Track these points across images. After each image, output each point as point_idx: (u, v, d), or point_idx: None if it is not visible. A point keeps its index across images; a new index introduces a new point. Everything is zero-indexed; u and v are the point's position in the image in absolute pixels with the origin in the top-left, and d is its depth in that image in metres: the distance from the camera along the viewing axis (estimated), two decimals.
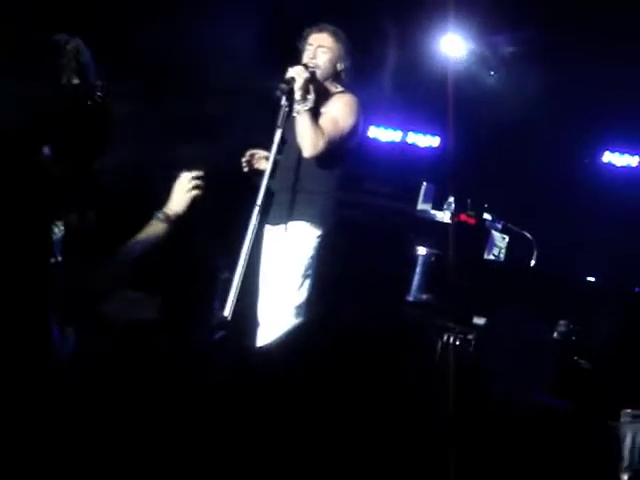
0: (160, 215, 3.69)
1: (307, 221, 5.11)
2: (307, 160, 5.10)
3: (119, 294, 5.28)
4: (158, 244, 3.69)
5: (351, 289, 2.51)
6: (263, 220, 5.12)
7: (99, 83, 5.63)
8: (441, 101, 8.19)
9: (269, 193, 5.13)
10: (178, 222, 3.76)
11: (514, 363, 3.07)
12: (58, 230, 5.45)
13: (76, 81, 5.48)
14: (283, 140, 5.09)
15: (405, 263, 2.58)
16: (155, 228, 3.70)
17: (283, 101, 5.04)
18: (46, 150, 5.06)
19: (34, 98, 5.53)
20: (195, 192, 3.77)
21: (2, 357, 2.43)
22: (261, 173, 5.10)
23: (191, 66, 7.47)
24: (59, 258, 5.43)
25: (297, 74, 5.00)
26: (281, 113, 5.05)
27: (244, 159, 5.36)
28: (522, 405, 3.01)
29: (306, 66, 5.07)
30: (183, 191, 3.76)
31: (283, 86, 4.99)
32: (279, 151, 5.10)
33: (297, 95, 4.98)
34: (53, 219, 5.42)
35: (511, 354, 3.08)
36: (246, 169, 5.36)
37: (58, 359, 2.67)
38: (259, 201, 4.97)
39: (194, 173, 3.80)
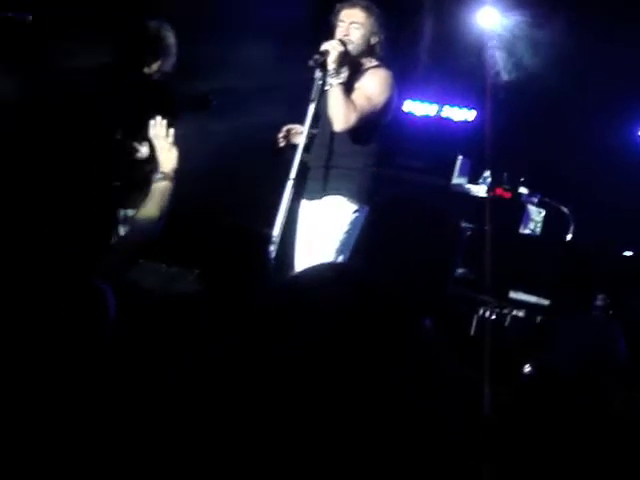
0: (159, 176, 3.82)
1: (343, 195, 5.11)
2: (341, 136, 5.09)
3: (154, 268, 5.32)
4: (165, 206, 3.78)
5: (398, 265, 2.50)
6: (299, 194, 5.12)
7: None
8: (477, 74, 8.14)
9: (304, 168, 5.14)
10: (178, 177, 3.88)
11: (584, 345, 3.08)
12: (131, 211, 5.53)
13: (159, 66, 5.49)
14: (317, 115, 5.08)
15: (453, 249, 2.57)
16: (159, 187, 3.80)
17: (317, 74, 5.02)
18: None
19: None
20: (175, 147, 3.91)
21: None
22: (296, 147, 5.10)
23: (228, 39, 7.48)
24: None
25: (332, 47, 4.99)
26: (315, 86, 5.04)
27: (280, 134, 5.36)
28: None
29: (341, 41, 5.05)
30: (166, 150, 3.89)
31: (317, 57, 4.98)
32: (313, 125, 5.09)
33: (330, 68, 4.97)
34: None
35: (582, 337, 3.10)
36: (282, 144, 5.36)
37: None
38: (293, 175, 4.97)
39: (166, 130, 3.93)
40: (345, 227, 5.09)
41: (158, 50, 5.50)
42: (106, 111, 5.49)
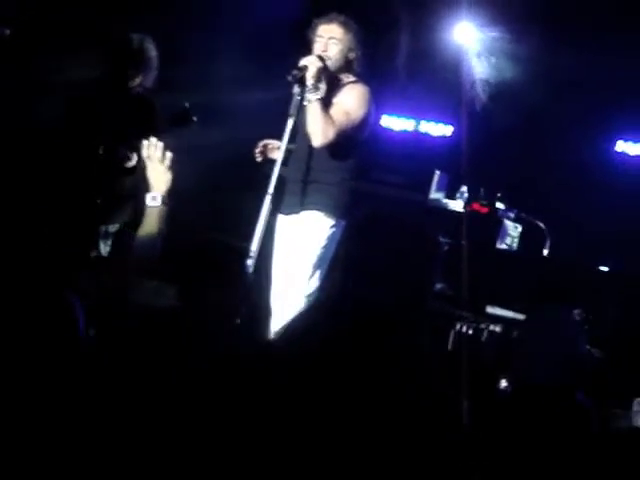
0: (152, 201, 3.80)
1: (320, 210, 5.12)
2: (319, 151, 5.10)
3: (136, 282, 5.30)
4: (163, 228, 3.78)
5: (375, 280, 2.52)
6: (275, 209, 5.12)
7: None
8: (454, 90, 8.17)
9: (281, 182, 5.14)
10: (172, 201, 3.86)
11: (553, 353, 3.12)
12: (112, 226, 5.53)
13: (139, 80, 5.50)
14: (295, 130, 5.08)
15: (431, 264, 2.59)
16: (154, 212, 3.79)
17: (295, 89, 5.03)
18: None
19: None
20: (171, 171, 3.88)
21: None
22: (274, 162, 5.10)
23: (205, 53, 7.49)
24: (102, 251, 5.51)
25: (310, 63, 5.00)
26: (293, 101, 5.05)
27: (257, 149, 5.36)
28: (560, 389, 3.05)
29: (320, 57, 5.06)
30: (161, 172, 3.86)
31: (295, 72, 4.99)
32: (291, 140, 5.10)
33: (309, 84, 4.98)
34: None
35: (551, 345, 3.14)
36: (259, 159, 5.36)
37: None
38: (271, 190, 4.98)
39: (164, 153, 3.90)
40: (322, 242, 5.10)
41: (140, 64, 5.51)
42: (88, 125, 5.49)
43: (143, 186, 4.22)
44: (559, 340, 3.18)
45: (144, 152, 3.94)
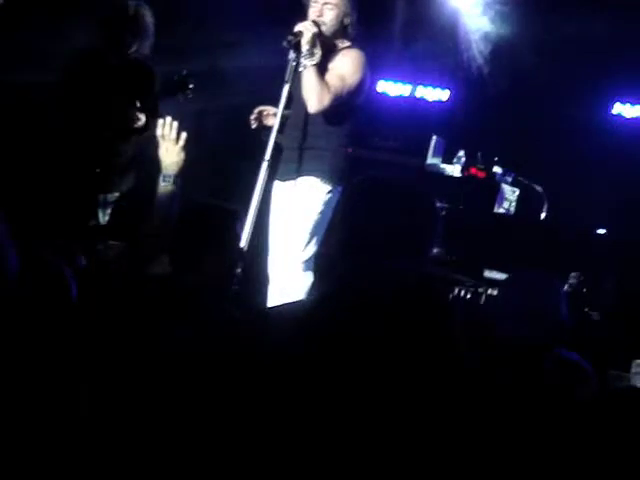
0: (166, 180, 3.76)
1: (316, 176, 5.11)
2: (315, 117, 5.08)
3: (122, 248, 5.30)
4: (172, 205, 3.75)
5: (373, 246, 2.52)
6: (272, 176, 5.11)
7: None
8: (451, 54, 8.15)
9: (277, 149, 5.13)
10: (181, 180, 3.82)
11: (528, 314, 3.15)
12: (111, 195, 5.54)
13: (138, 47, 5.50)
14: (291, 96, 5.06)
15: (427, 222, 2.59)
16: (165, 192, 3.76)
17: (290, 54, 5.01)
18: None
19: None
20: (184, 152, 3.83)
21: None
22: (269, 129, 5.09)
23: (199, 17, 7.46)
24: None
25: (305, 28, 4.97)
26: (288, 67, 5.02)
27: (252, 116, 5.34)
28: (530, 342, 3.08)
29: (315, 22, 5.02)
30: (174, 153, 3.80)
31: (290, 38, 4.96)
32: (287, 106, 5.08)
33: (304, 49, 4.95)
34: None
35: (526, 307, 3.17)
36: (254, 125, 5.34)
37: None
38: (267, 156, 4.97)
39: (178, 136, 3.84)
40: (318, 208, 5.10)
41: (136, 30, 5.52)
42: (85, 97, 5.49)
43: (148, 156, 4.18)
44: (538, 305, 3.21)
45: (158, 131, 3.87)
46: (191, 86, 5.55)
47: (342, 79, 5.06)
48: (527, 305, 3.20)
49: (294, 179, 5.17)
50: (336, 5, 5.13)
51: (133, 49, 5.55)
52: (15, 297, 2.41)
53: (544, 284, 3.34)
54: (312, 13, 5.11)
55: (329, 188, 5.10)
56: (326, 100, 4.99)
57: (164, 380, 2.57)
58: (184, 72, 5.55)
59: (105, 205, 5.54)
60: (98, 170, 5.46)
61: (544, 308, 3.22)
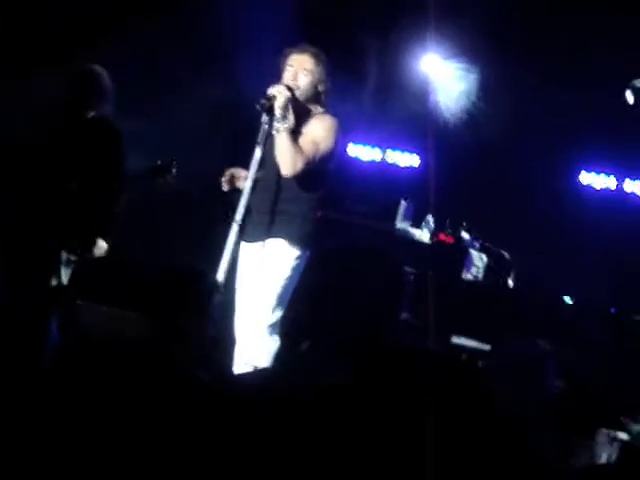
0: None
1: (285, 240, 5.09)
2: (287, 181, 5.08)
3: (96, 310, 5.27)
4: None
5: (340, 310, 2.54)
6: (240, 237, 5.11)
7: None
8: (421, 120, 8.23)
9: (247, 210, 5.13)
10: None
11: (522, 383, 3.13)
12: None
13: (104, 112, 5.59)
14: (263, 159, 5.07)
15: (393, 287, 2.62)
16: None
17: (263, 117, 5.03)
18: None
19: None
20: None
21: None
22: (240, 191, 5.09)
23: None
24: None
25: (279, 92, 4.98)
26: (261, 130, 5.04)
27: (224, 178, 5.34)
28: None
29: (288, 86, 5.05)
30: None
31: (264, 102, 4.97)
32: (259, 169, 5.09)
33: (277, 113, 4.96)
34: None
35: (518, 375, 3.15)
36: (226, 188, 5.34)
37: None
38: (238, 218, 4.95)
39: None
40: (287, 272, 5.08)
41: (94, 93, 5.61)
42: (48, 156, 5.53)
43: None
44: (525, 372, 3.19)
45: None
46: (174, 170, 5.65)
47: (315, 144, 5.07)
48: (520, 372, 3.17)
49: (262, 241, 5.16)
50: (311, 71, 5.15)
51: (91, 112, 5.63)
52: None
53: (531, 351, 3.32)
54: (287, 77, 5.13)
55: (298, 253, 5.08)
56: (299, 164, 5.00)
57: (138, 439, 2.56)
58: (170, 159, 5.69)
59: (68, 264, 5.53)
60: (57, 224, 5.48)
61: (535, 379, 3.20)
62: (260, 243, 5.15)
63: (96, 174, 5.50)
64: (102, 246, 5.61)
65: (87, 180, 5.50)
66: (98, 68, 5.69)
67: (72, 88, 5.66)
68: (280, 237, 5.10)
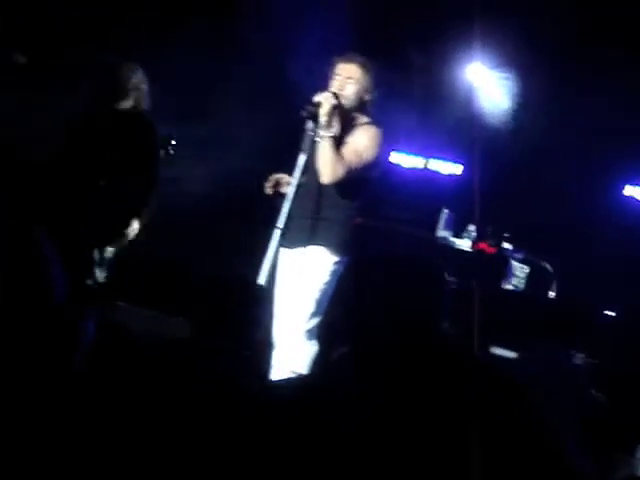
0: None
1: (325, 247, 5.11)
2: (328, 188, 5.10)
3: (136, 312, 5.30)
4: None
5: (381, 319, 2.53)
6: (280, 243, 5.13)
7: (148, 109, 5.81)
8: (465, 129, 8.21)
9: (289, 216, 5.15)
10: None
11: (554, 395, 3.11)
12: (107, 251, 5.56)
13: (132, 103, 5.70)
14: (306, 165, 5.09)
15: (436, 295, 2.60)
16: None
17: (308, 124, 5.04)
18: None
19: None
20: None
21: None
22: (283, 196, 5.11)
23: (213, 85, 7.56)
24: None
25: (325, 99, 4.99)
26: (306, 137, 5.05)
27: (269, 183, 5.36)
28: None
29: (335, 94, 5.05)
30: None
31: (310, 108, 4.98)
32: (302, 175, 5.10)
33: (322, 120, 4.97)
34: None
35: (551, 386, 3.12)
36: (270, 192, 5.36)
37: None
38: (281, 224, 4.97)
39: None
40: (325, 278, 5.10)
41: (126, 89, 5.67)
42: (83, 152, 5.60)
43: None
44: (562, 383, 3.16)
45: None
46: (173, 142, 5.67)
47: (358, 154, 5.08)
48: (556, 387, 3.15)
49: (302, 247, 5.18)
50: (357, 80, 5.17)
51: (126, 106, 5.68)
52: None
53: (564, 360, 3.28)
54: (334, 85, 5.15)
55: (336, 259, 5.10)
56: (340, 173, 5.01)
57: (172, 440, 2.57)
58: (171, 134, 5.71)
59: (102, 262, 5.57)
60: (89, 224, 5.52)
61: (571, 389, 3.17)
62: (300, 249, 5.18)
63: (127, 167, 5.55)
64: (135, 228, 5.61)
65: (117, 174, 5.54)
66: (131, 64, 5.78)
67: (105, 81, 5.72)
68: (319, 244, 5.12)
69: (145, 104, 5.75)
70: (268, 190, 5.34)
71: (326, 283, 5.10)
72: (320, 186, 5.10)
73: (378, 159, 5.19)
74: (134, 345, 3.31)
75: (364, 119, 5.22)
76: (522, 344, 6.47)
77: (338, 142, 5.05)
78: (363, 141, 5.13)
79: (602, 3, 7.63)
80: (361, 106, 5.22)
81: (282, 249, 5.20)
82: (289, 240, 5.17)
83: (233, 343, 3.16)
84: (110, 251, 5.56)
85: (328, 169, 5.00)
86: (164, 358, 2.99)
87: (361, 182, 5.18)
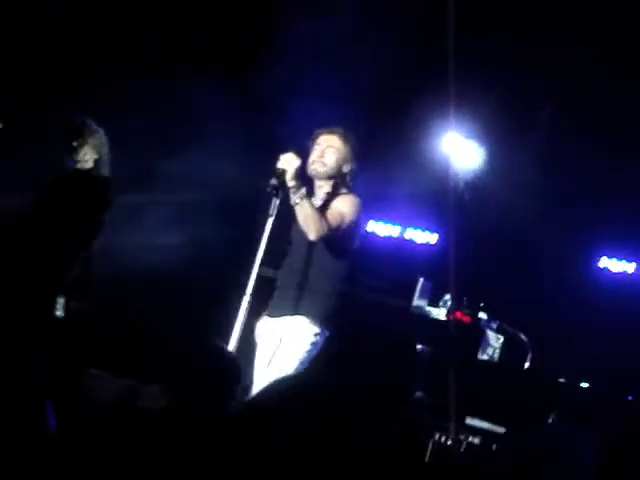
0: None
1: (308, 317, 5.11)
2: (313, 259, 5.13)
3: (107, 379, 5.23)
4: None
5: (353, 385, 2.51)
6: (260, 310, 5.12)
7: (107, 175, 5.99)
8: (440, 198, 8.24)
9: (270, 284, 5.16)
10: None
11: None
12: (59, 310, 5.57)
13: (90, 165, 5.88)
14: (289, 241, 5.17)
15: (409, 375, 2.59)
16: None
17: (276, 197, 4.97)
18: None
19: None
20: None
21: None
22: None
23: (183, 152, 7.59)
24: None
25: (288, 162, 4.94)
26: (272, 202, 5.00)
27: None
28: None
29: (297, 152, 5.02)
30: None
31: (273, 182, 4.92)
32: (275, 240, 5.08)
33: (291, 185, 4.93)
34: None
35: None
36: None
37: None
38: (249, 290, 4.95)
39: None
40: (306, 347, 5.10)
41: (80, 142, 5.83)
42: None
43: None
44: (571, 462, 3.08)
45: None
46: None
47: (340, 215, 5.11)
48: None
49: (284, 316, 5.17)
50: (338, 149, 5.25)
51: (82, 160, 5.93)
52: None
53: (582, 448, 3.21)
54: (314, 154, 5.21)
55: (318, 330, 5.10)
56: (324, 227, 4.98)
57: None
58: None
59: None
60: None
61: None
62: (282, 318, 5.17)
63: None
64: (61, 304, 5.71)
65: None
66: (92, 124, 5.99)
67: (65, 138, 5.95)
68: (303, 315, 5.11)
69: (102, 166, 5.94)
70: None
71: (307, 351, 5.09)
72: (306, 257, 5.13)
73: (358, 226, 5.24)
74: (108, 416, 3.25)
75: (343, 190, 5.26)
76: (498, 415, 6.43)
77: (320, 209, 5.06)
78: (343, 206, 5.16)
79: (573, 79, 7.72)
80: (341, 177, 5.26)
81: (264, 317, 5.19)
82: (272, 309, 5.19)
83: (209, 413, 3.11)
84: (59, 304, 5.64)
85: (312, 224, 4.95)
86: (140, 429, 2.93)
87: (343, 251, 5.22)
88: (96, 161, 5.95)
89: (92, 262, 5.92)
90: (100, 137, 6.01)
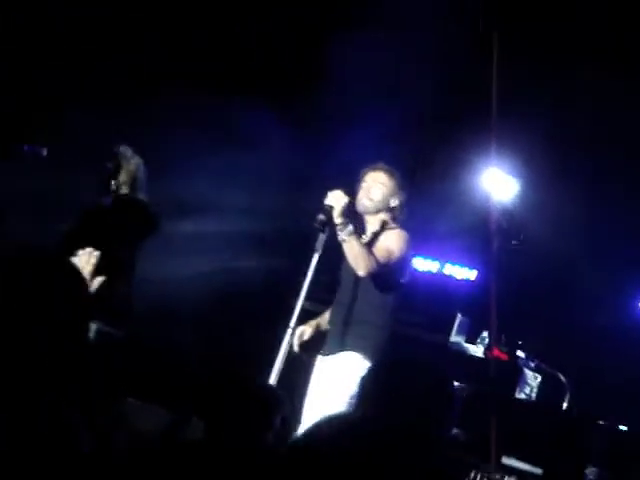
0: None
1: (359, 353, 5.12)
2: (362, 295, 5.17)
3: (148, 410, 5.25)
4: None
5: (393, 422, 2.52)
6: (314, 352, 5.14)
7: (145, 199, 5.99)
8: (480, 234, 8.22)
9: (314, 317, 5.20)
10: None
11: None
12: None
13: (126, 190, 5.90)
14: (338, 281, 5.22)
15: (445, 411, 2.59)
16: None
17: (322, 232, 5.01)
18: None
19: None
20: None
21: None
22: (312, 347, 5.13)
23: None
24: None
25: (336, 200, 4.99)
26: (319, 237, 5.04)
27: (296, 340, 5.27)
28: None
29: (346, 191, 5.07)
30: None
31: (321, 217, 4.98)
32: (319, 275, 5.10)
33: (338, 222, 4.97)
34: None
35: None
36: (297, 349, 5.30)
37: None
38: (292, 323, 4.97)
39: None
40: (357, 383, 5.08)
41: (117, 171, 5.87)
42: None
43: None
44: None
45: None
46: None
47: (388, 251, 5.16)
48: None
49: (336, 353, 5.18)
50: (384, 184, 5.33)
51: (116, 187, 5.95)
52: None
53: None
54: (361, 192, 5.29)
55: (369, 365, 5.08)
56: (373, 263, 5.01)
57: None
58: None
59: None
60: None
61: None
62: (333, 355, 5.19)
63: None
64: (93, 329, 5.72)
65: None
66: (128, 150, 6.01)
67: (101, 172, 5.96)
68: (354, 350, 5.12)
69: (140, 190, 5.96)
70: (296, 347, 5.27)
71: (357, 386, 5.07)
72: (354, 293, 5.18)
73: (406, 262, 5.30)
74: (148, 448, 3.27)
75: (391, 224, 5.32)
76: (535, 456, 6.38)
77: (369, 244, 5.09)
78: (392, 241, 5.21)
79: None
80: (388, 211, 5.33)
81: (318, 356, 5.28)
82: (326, 346, 5.22)
83: (246, 444, 3.12)
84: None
85: (361, 261, 4.99)
86: (180, 461, 2.94)
87: (393, 284, 5.26)
88: (132, 186, 5.96)
89: (132, 288, 5.92)
90: (136, 163, 6.02)
